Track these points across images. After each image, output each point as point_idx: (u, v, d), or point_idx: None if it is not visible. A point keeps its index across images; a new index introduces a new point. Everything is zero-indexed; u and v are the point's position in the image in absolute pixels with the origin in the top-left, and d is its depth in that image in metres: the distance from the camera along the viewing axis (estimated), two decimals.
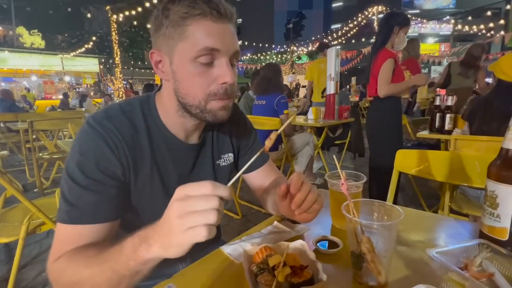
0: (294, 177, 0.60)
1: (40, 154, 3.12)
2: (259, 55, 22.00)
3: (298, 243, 0.61)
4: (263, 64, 3.74)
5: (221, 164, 0.79)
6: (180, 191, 0.42)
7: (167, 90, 0.65)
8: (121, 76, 12.22)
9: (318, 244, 0.65)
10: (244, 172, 0.87)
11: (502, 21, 11.47)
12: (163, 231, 0.43)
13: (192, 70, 0.59)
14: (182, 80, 0.60)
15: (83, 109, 7.14)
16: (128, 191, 0.64)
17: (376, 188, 2.19)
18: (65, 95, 9.07)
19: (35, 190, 3.11)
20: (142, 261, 0.46)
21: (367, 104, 5.23)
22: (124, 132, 0.61)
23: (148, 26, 0.69)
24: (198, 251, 0.81)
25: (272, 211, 0.83)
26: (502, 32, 10.73)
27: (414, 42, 3.54)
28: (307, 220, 0.67)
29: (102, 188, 0.58)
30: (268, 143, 0.55)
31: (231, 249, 0.65)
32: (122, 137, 0.60)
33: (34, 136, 2.99)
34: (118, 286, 0.49)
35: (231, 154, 0.81)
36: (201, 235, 0.40)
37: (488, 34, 11.68)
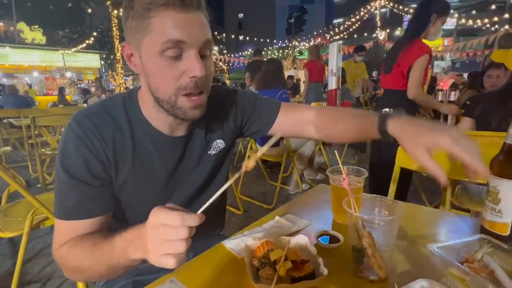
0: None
1: (43, 150, 3.14)
2: (260, 50, 21.84)
3: (299, 237, 0.61)
4: (265, 59, 3.82)
5: (211, 154, 0.76)
6: (154, 219, 0.45)
7: (144, 85, 0.63)
8: (122, 72, 12.19)
9: (319, 239, 0.65)
10: (267, 132, 0.84)
11: (507, 15, 11.27)
12: (143, 245, 0.47)
13: (160, 64, 0.56)
14: (152, 74, 0.58)
15: (85, 105, 7.15)
16: (112, 186, 0.65)
17: (385, 185, 2.09)
18: (60, 90, 9.06)
19: (38, 185, 3.14)
20: (131, 260, 0.51)
21: (365, 98, 5.18)
22: (104, 130, 0.61)
23: None
24: (200, 245, 0.82)
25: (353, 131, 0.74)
26: (507, 26, 10.57)
27: (316, 48, 4.50)
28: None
29: (85, 187, 0.59)
30: (247, 164, 0.50)
31: (233, 243, 0.65)
32: (101, 135, 0.60)
33: (36, 132, 3.00)
34: (116, 273, 0.56)
35: (219, 141, 0.78)
36: (170, 263, 0.44)
37: (493, 28, 11.50)
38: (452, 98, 2.08)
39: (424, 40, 1.86)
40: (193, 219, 0.44)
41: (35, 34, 15.55)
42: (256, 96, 0.85)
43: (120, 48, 11.87)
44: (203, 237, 0.84)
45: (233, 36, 21.33)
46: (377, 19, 13.69)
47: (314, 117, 0.81)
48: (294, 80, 9.54)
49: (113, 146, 0.62)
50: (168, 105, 0.60)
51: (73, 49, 15.40)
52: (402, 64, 1.86)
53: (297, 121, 0.83)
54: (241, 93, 0.84)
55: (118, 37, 11.72)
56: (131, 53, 0.60)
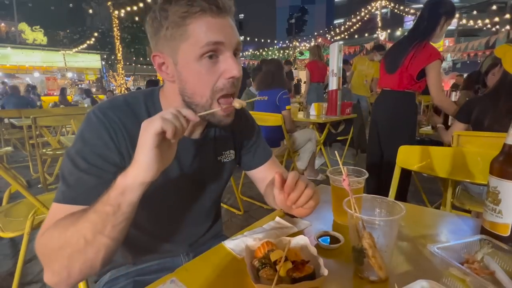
0: (289, 176, 0.59)
1: (44, 150, 3.15)
2: (261, 50, 21.86)
3: (299, 238, 0.61)
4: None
5: (222, 161, 0.80)
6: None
7: (172, 90, 0.65)
8: (123, 72, 12.22)
9: (319, 240, 0.65)
10: (248, 169, 0.88)
11: (507, 16, 11.24)
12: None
13: (198, 69, 0.59)
14: (189, 80, 0.61)
15: (86, 105, 7.18)
16: None
17: (386, 187, 2.05)
18: (62, 91, 9.08)
19: (39, 185, 3.14)
20: (120, 189, 0.49)
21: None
22: (126, 122, 0.63)
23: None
24: (200, 245, 0.82)
25: (274, 205, 0.84)
26: (508, 27, 10.54)
27: (317, 48, 4.54)
28: (304, 215, 0.69)
29: (99, 173, 0.59)
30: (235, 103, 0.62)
31: (233, 244, 0.66)
32: (124, 126, 0.62)
33: (37, 132, 3.01)
34: (103, 231, 0.49)
35: (232, 151, 0.82)
36: (154, 125, 0.48)
37: (494, 29, 11.48)
38: (453, 98, 2.07)
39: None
40: (186, 109, 0.50)
41: (36, 35, 15.58)
42: (260, 132, 0.88)
43: (120, 49, 11.99)
44: (203, 238, 0.84)
45: None
46: (378, 20, 13.69)
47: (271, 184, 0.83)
48: (296, 81, 9.42)
49: (133, 137, 0.62)
50: (202, 109, 0.62)
51: (74, 50, 15.44)
52: (412, 67, 1.82)
53: (265, 178, 0.85)
54: (252, 119, 0.88)
55: (119, 38, 11.77)
56: (163, 62, 0.63)
